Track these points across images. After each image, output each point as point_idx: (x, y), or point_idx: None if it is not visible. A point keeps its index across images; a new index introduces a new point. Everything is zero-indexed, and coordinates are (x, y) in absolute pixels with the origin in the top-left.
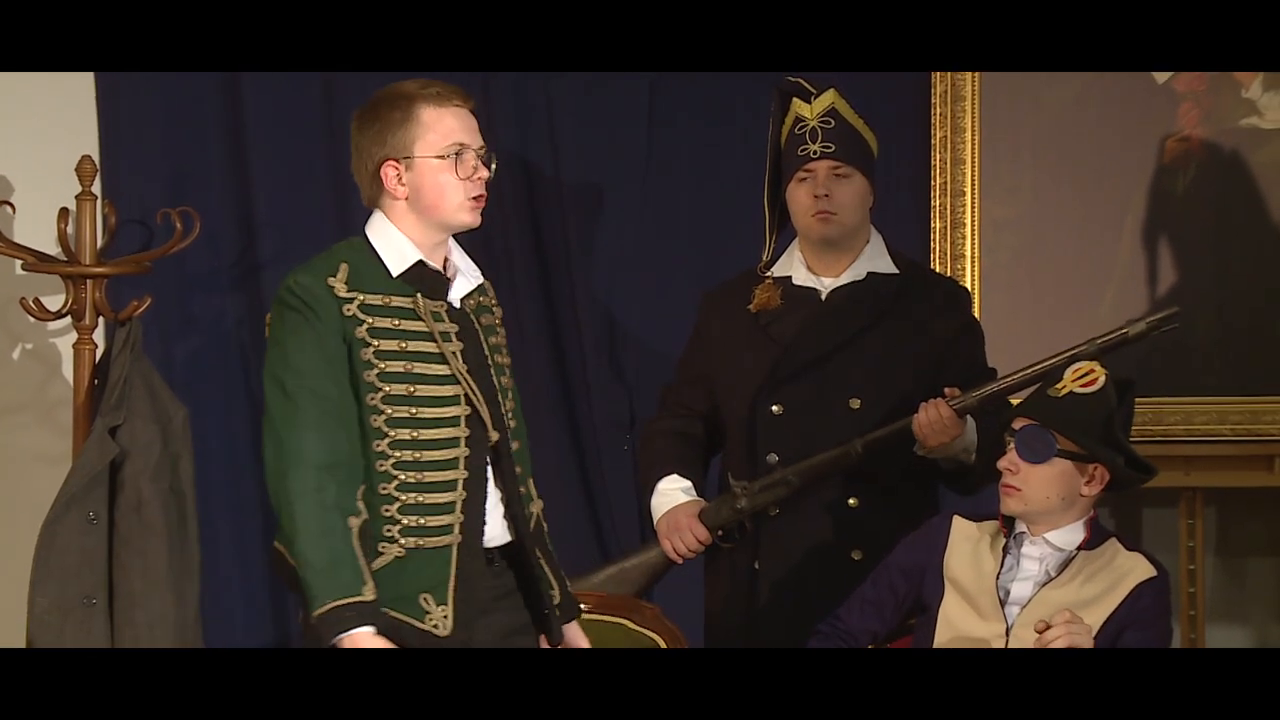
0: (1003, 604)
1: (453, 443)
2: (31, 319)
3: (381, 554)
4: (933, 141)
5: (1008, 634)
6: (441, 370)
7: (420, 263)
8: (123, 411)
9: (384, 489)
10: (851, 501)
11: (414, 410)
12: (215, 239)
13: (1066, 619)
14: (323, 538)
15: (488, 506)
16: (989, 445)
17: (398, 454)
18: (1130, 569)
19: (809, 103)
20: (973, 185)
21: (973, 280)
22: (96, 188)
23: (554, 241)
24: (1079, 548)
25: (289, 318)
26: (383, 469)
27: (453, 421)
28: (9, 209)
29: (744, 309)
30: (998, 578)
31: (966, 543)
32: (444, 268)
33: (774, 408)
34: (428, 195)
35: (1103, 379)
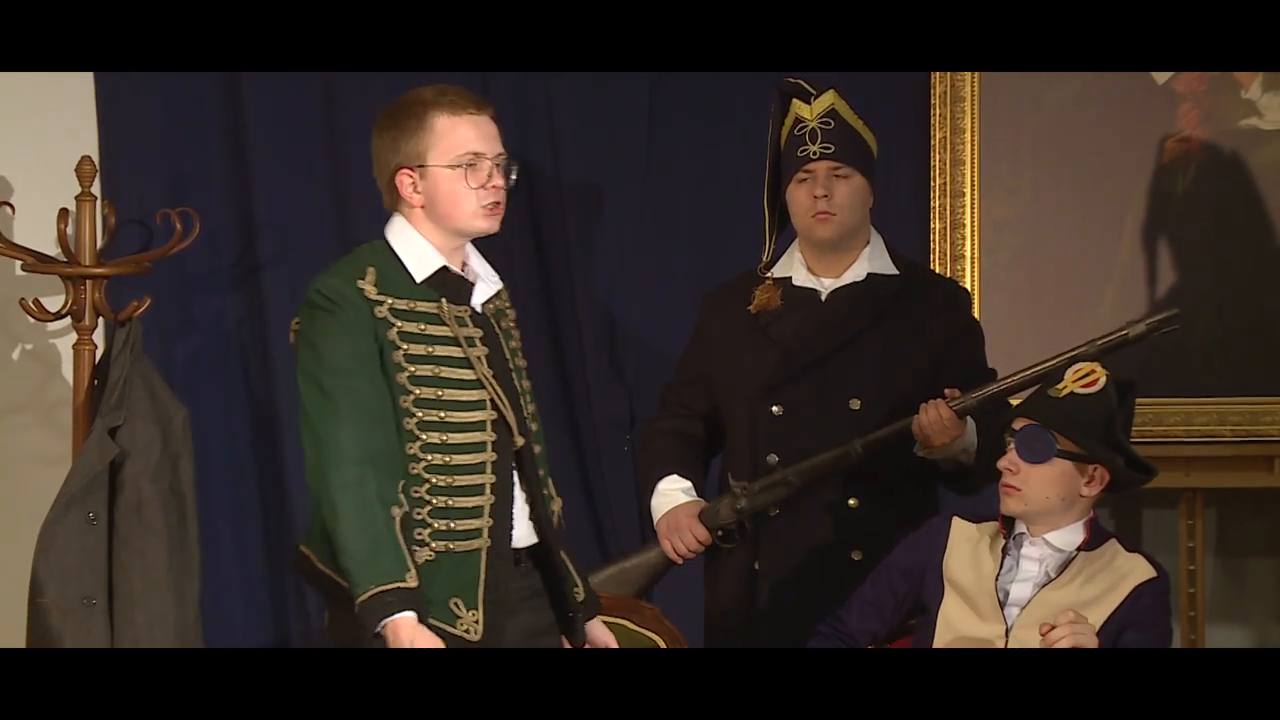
0: (1002, 605)
1: (479, 447)
2: (31, 319)
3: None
4: (932, 142)
5: (1007, 635)
6: (467, 375)
7: (444, 268)
8: (122, 412)
9: (416, 492)
10: (851, 502)
11: (442, 414)
12: (215, 239)
13: (1071, 619)
14: (364, 529)
15: (519, 505)
16: (989, 446)
17: (429, 457)
18: (1130, 570)
19: (809, 103)
20: (972, 186)
21: (972, 281)
22: (96, 188)
23: (554, 241)
24: (1079, 549)
25: (319, 318)
26: (415, 471)
27: (479, 426)
28: (9, 209)
29: (744, 310)
30: (997, 579)
31: (966, 544)
32: (464, 271)
33: (774, 408)
34: (441, 204)
35: (1103, 380)
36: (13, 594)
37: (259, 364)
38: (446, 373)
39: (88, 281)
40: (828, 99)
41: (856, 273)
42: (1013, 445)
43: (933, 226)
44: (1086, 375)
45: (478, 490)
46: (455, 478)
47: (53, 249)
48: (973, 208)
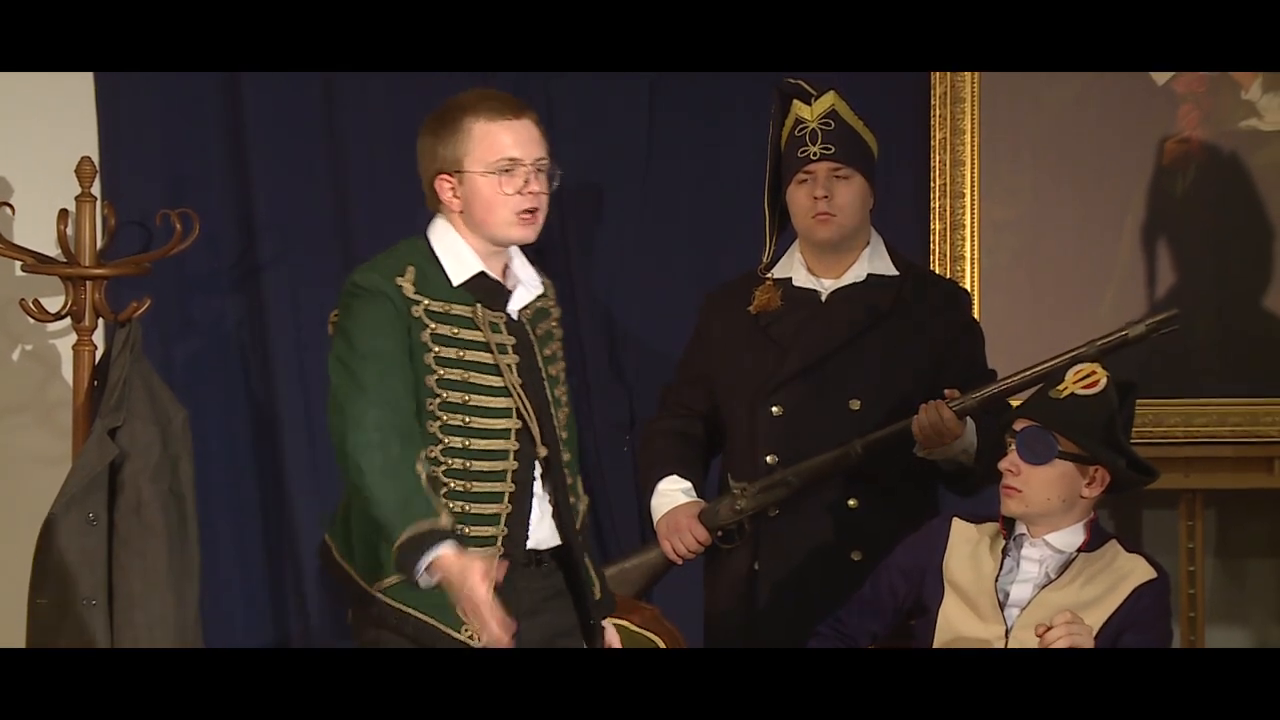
0: (1002, 606)
1: (501, 455)
2: (31, 320)
3: None
4: (932, 143)
5: (1007, 636)
6: (495, 382)
7: (482, 273)
8: (122, 413)
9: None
10: (851, 502)
11: (467, 419)
12: (215, 240)
13: (1067, 619)
14: (391, 479)
15: (538, 513)
16: (989, 447)
17: (449, 461)
18: (1130, 571)
19: (809, 104)
20: (972, 187)
21: (972, 282)
22: (96, 189)
23: (554, 241)
24: (1079, 550)
25: (355, 307)
26: (434, 474)
27: (503, 434)
28: (8, 210)
29: (744, 310)
30: (997, 579)
31: (966, 544)
32: (504, 277)
33: (774, 409)
34: (477, 210)
35: (1104, 381)
36: (13, 594)
37: (259, 365)
38: (475, 378)
39: (87, 282)
40: (828, 100)
41: (856, 273)
42: (1014, 446)
43: (933, 227)
44: (1087, 376)
45: (495, 498)
46: (474, 484)
47: (52, 250)
48: (973, 208)
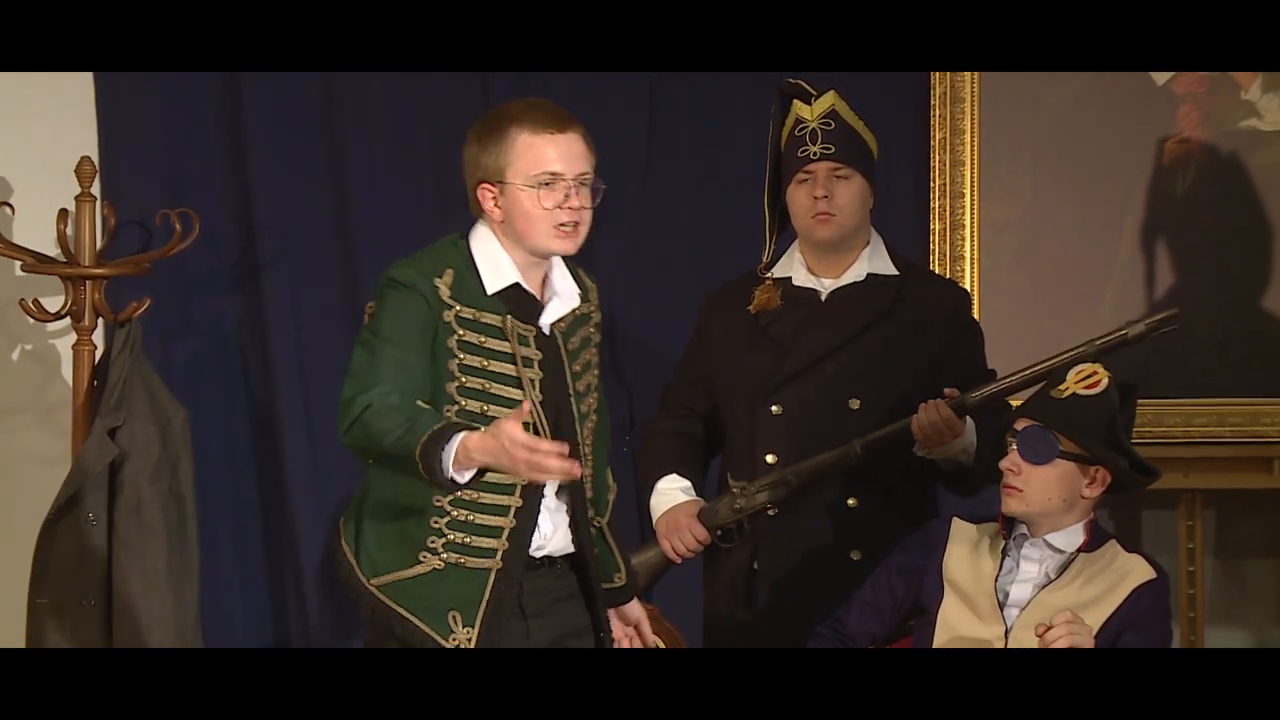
0: (1001, 606)
1: None
2: (31, 320)
3: (420, 563)
4: (932, 143)
5: (1006, 636)
6: (516, 395)
7: (516, 285)
8: (122, 413)
9: (438, 500)
10: (850, 502)
11: (482, 430)
12: (215, 240)
13: (1067, 619)
14: (397, 411)
15: (550, 526)
16: (988, 446)
17: None
18: (1130, 571)
19: (809, 104)
20: (972, 187)
21: (972, 282)
22: (96, 189)
23: None
24: (1079, 550)
25: (389, 298)
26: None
27: None
28: (8, 210)
29: (744, 310)
30: (996, 580)
31: (965, 545)
32: (541, 289)
33: (774, 408)
34: (517, 222)
35: (1105, 381)
36: (12, 594)
37: (259, 365)
38: (495, 389)
39: (87, 282)
40: (828, 100)
41: (856, 273)
42: (1015, 446)
43: (932, 227)
44: (1089, 377)
45: (501, 511)
46: (481, 494)
47: (52, 249)
48: (972, 209)
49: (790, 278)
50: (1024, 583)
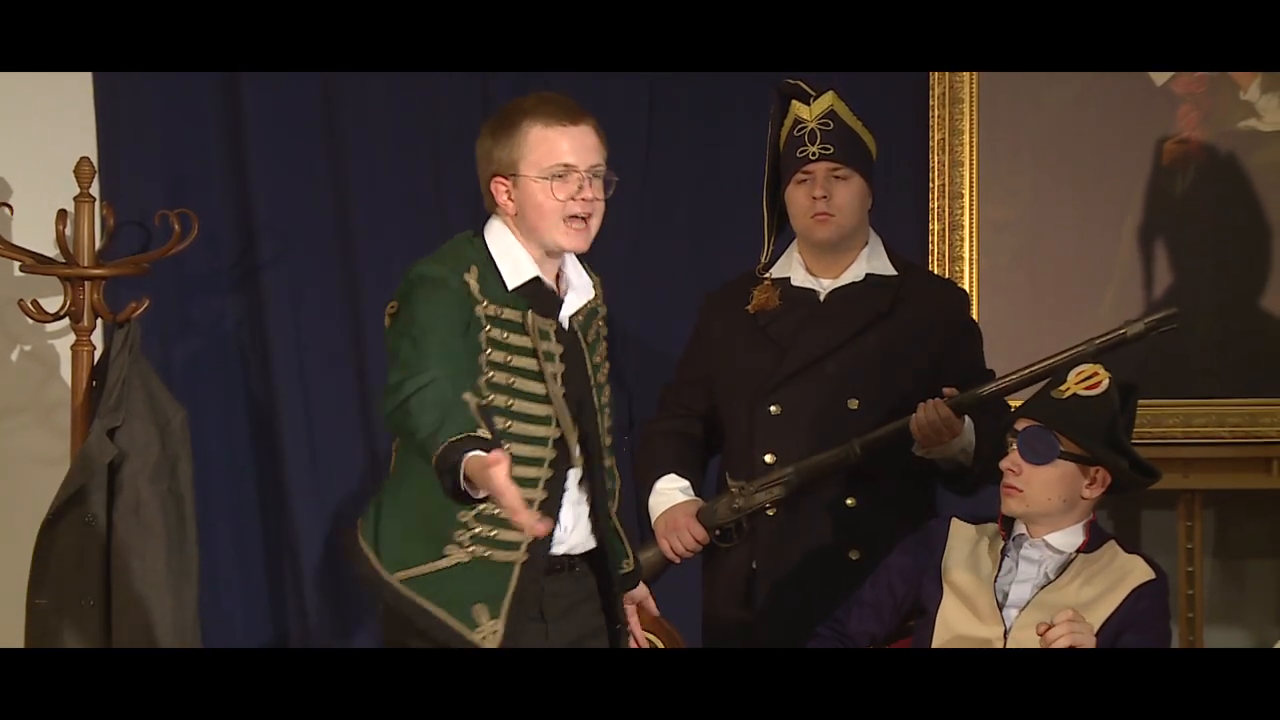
0: (1001, 606)
1: (538, 461)
2: (30, 320)
3: (445, 555)
4: (931, 143)
5: (1006, 636)
6: (539, 390)
7: (536, 279)
8: (121, 413)
9: None
10: (849, 501)
11: (508, 424)
12: (214, 241)
13: (1069, 617)
14: (435, 406)
15: (570, 519)
16: (987, 446)
17: None
18: (1129, 571)
19: (808, 104)
20: (971, 187)
21: (971, 282)
22: (95, 189)
23: None
24: (1078, 550)
25: (421, 292)
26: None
27: (541, 441)
28: (7, 210)
29: (743, 310)
30: (996, 580)
31: (965, 545)
32: (557, 283)
33: (772, 408)
34: (530, 214)
35: (1106, 382)
36: (12, 594)
37: (258, 365)
38: (520, 384)
39: (86, 283)
40: (827, 100)
41: (855, 273)
42: (1015, 445)
43: (931, 228)
44: (1090, 377)
45: (526, 503)
46: None
47: (51, 250)
48: (971, 209)
49: (789, 278)
50: (1023, 583)
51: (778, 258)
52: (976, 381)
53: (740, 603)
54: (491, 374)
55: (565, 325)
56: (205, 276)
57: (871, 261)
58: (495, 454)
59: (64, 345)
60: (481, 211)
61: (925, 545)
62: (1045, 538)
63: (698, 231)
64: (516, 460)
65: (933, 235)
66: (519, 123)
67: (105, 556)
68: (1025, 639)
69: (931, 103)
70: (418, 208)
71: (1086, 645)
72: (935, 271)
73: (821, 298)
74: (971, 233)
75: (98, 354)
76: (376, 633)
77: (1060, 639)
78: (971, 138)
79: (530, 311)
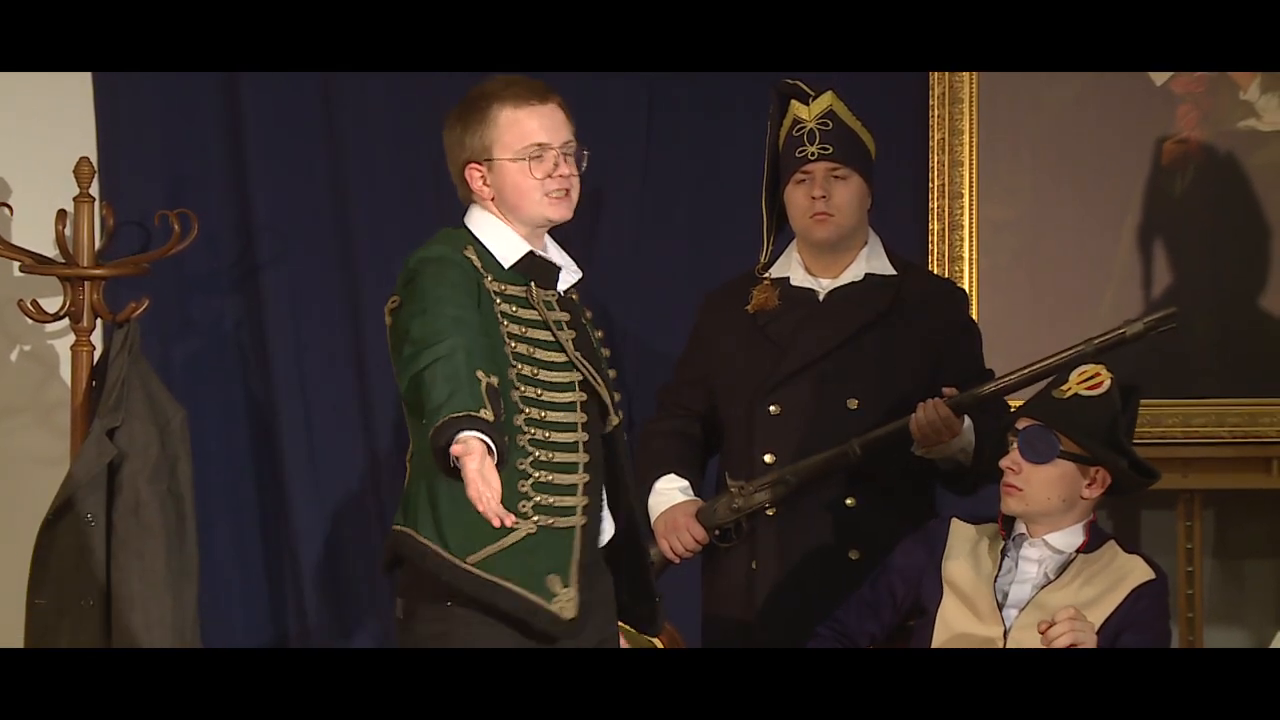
0: (1001, 606)
1: (572, 426)
2: (29, 321)
3: (514, 529)
4: (930, 143)
5: (1006, 636)
6: (559, 357)
7: (530, 253)
8: (120, 413)
9: (520, 464)
10: (849, 501)
11: (539, 392)
12: (214, 241)
13: (1070, 615)
14: (448, 380)
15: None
16: (987, 446)
17: (532, 431)
18: (1129, 571)
19: (807, 104)
20: (971, 187)
21: (971, 282)
22: (94, 189)
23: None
24: (1078, 550)
25: (425, 273)
26: (520, 444)
27: (571, 406)
28: (7, 210)
29: (742, 310)
30: (995, 580)
31: (965, 545)
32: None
33: (772, 408)
34: (509, 196)
35: (1108, 382)
36: (11, 594)
37: (258, 365)
38: (540, 354)
39: (86, 283)
40: (826, 100)
41: (854, 273)
42: (1016, 445)
43: (931, 228)
44: (1091, 378)
45: (573, 468)
46: (555, 454)
47: (51, 250)
48: (971, 209)
49: (788, 278)
50: (1023, 583)
51: (777, 258)
52: (976, 381)
53: (740, 603)
54: (514, 345)
55: (564, 295)
56: (205, 277)
57: (871, 261)
58: (469, 445)
59: (64, 345)
60: None
61: (925, 545)
62: (1045, 537)
63: (697, 231)
64: (555, 427)
65: (933, 235)
66: (488, 107)
67: (105, 557)
68: (1025, 639)
69: (931, 103)
70: (418, 208)
71: (1088, 643)
72: (935, 271)
73: (821, 298)
74: (971, 233)
75: (97, 354)
76: (377, 633)
77: (1061, 637)
78: (971, 138)
79: (533, 284)
